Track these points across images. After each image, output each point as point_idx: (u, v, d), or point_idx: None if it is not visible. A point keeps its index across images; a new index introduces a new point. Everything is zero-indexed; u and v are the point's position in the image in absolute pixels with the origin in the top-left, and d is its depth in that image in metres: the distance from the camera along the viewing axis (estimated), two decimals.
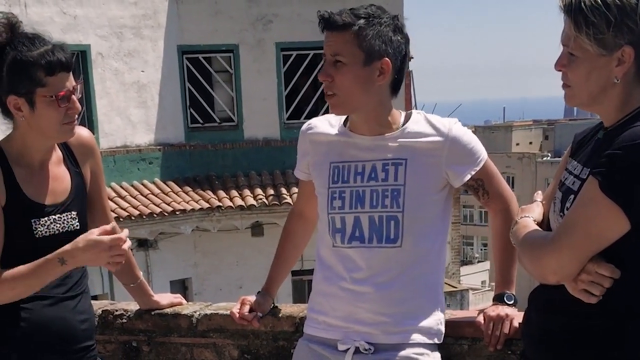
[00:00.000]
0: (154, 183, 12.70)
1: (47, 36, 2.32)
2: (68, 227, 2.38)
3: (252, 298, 2.74)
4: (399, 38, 2.32)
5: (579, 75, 1.88)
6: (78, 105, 2.33)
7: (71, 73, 2.31)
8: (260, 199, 12.40)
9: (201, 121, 13.43)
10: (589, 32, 1.82)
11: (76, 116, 2.35)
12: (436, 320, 2.40)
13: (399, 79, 2.36)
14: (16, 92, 2.26)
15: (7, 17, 2.28)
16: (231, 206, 12.28)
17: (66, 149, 2.47)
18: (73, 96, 2.31)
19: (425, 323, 2.37)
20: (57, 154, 2.45)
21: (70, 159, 2.47)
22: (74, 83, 2.31)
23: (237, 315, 2.71)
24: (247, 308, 2.70)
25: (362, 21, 2.26)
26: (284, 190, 12.52)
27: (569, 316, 1.88)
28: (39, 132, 2.32)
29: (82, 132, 2.48)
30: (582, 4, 1.82)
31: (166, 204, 12.05)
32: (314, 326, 2.48)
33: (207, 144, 13.27)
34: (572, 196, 1.90)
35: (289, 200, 12.07)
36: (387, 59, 2.29)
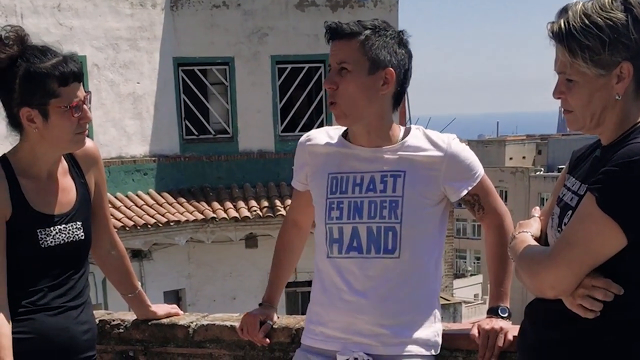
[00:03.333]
0: (148, 194, 12.71)
1: (57, 47, 2.34)
2: (73, 237, 2.41)
3: (258, 312, 2.74)
4: (403, 51, 2.36)
5: (580, 99, 1.89)
6: (89, 114, 2.35)
7: (81, 83, 2.34)
8: (255, 210, 12.41)
9: (196, 133, 13.44)
10: (584, 55, 1.82)
11: (87, 125, 2.37)
12: (434, 331, 2.42)
13: (401, 92, 2.39)
14: (29, 104, 2.27)
15: (16, 30, 2.29)
16: (225, 218, 12.29)
17: (71, 159, 2.49)
18: (84, 106, 2.33)
19: (423, 335, 2.39)
20: (63, 164, 2.47)
21: (76, 169, 2.49)
22: (84, 93, 2.33)
23: (245, 335, 2.74)
24: (256, 329, 2.72)
25: (368, 31, 2.31)
26: (278, 203, 12.53)
27: (565, 330, 1.89)
28: (51, 142, 2.34)
29: (87, 142, 2.50)
30: (573, 29, 1.83)
31: (160, 215, 12.06)
32: (312, 337, 2.49)
33: (202, 156, 13.30)
34: (570, 212, 1.91)
35: (282, 212, 12.08)
36: (391, 69, 2.32)
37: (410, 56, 2.38)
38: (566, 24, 1.85)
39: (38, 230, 2.34)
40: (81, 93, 2.32)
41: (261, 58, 13.23)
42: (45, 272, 2.36)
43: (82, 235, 2.44)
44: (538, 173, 48.82)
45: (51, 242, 2.35)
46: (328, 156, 2.47)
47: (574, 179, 2.00)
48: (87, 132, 2.40)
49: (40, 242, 2.33)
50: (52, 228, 2.36)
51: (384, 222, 2.36)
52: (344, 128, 2.48)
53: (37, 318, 2.32)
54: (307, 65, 13.18)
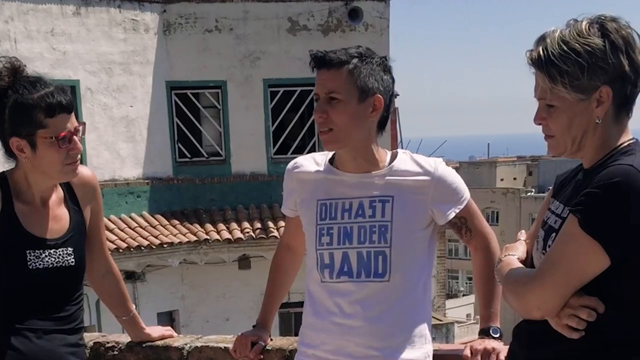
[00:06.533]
0: (141, 216, 12.68)
1: (49, 79, 2.37)
2: (63, 262, 2.42)
3: (250, 333, 2.77)
4: (388, 77, 2.40)
5: (561, 124, 1.92)
6: (79, 145, 2.37)
7: (72, 115, 2.36)
8: (248, 232, 12.42)
9: (189, 156, 13.46)
10: (564, 81, 1.86)
11: (78, 156, 2.39)
12: (424, 353, 2.45)
13: (386, 116, 2.43)
14: (18, 134, 2.31)
15: (10, 61, 2.34)
16: (218, 239, 12.28)
17: (68, 188, 2.51)
18: (74, 137, 2.35)
19: (413, 356, 2.41)
20: (58, 193, 2.49)
21: (72, 198, 2.51)
22: (75, 124, 2.36)
23: (238, 355, 2.76)
24: (248, 349, 2.74)
25: (356, 59, 2.34)
26: (270, 224, 12.54)
27: (552, 350, 1.91)
28: (42, 172, 2.37)
29: (84, 171, 2.53)
30: (552, 56, 1.87)
31: (154, 237, 12.03)
32: (304, 359, 2.51)
33: (195, 178, 13.30)
34: (554, 234, 1.94)
35: (275, 233, 12.10)
36: (379, 96, 2.36)
37: (393, 81, 2.43)
38: (545, 51, 1.89)
39: (27, 252, 2.35)
40: (71, 124, 2.34)
41: (253, 81, 13.29)
42: (33, 294, 2.37)
43: (72, 262, 2.44)
44: (529, 194, 48.84)
45: (40, 265, 2.37)
46: (316, 183, 2.50)
47: (557, 202, 2.04)
48: (78, 162, 2.41)
49: (29, 263, 2.35)
50: (41, 251, 2.38)
51: (373, 247, 2.39)
52: (331, 154, 2.51)
53: (21, 340, 2.34)
54: (299, 89, 13.23)
